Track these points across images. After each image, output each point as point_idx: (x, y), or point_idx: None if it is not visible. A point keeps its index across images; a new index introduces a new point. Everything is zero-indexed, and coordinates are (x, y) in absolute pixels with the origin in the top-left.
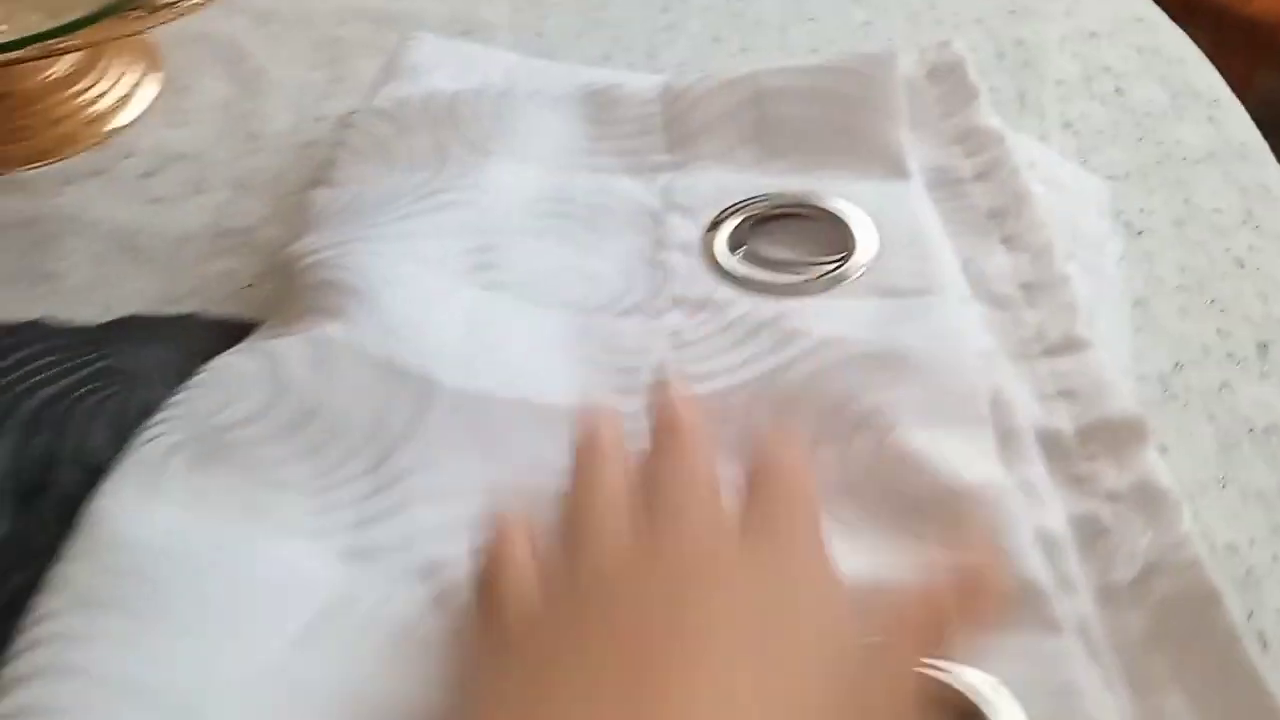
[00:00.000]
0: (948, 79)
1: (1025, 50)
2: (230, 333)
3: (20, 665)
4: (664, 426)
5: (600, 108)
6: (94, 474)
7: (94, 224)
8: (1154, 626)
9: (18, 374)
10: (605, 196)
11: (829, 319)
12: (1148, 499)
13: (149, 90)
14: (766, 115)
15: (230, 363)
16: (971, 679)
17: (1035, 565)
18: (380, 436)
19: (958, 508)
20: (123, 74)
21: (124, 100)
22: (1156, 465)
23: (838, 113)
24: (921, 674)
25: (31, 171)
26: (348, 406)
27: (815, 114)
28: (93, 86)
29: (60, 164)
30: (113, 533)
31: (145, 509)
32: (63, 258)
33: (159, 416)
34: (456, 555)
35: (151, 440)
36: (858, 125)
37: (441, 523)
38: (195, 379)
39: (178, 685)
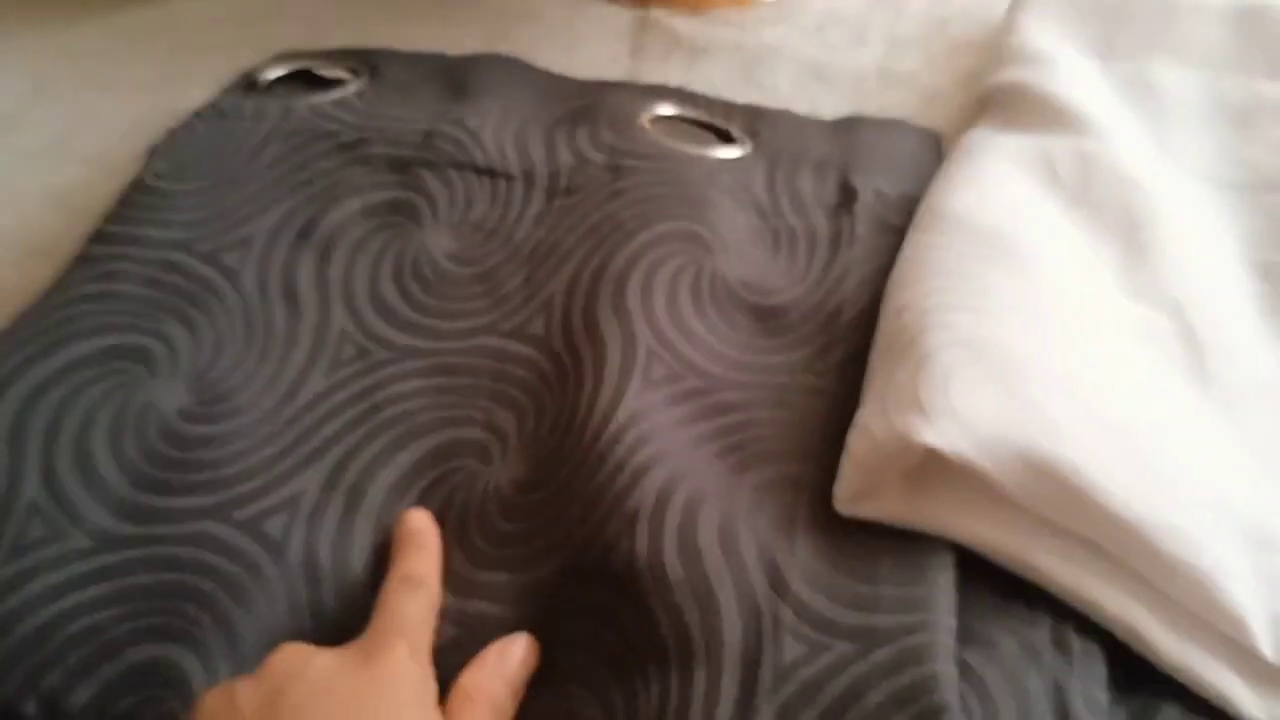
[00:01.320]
0: None
1: None
2: (930, 138)
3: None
4: None
5: (1248, 19)
6: None
7: (790, 56)
8: None
9: (791, 141)
10: (1254, 97)
11: None
12: None
13: None
14: None
15: (1006, 145)
16: None
17: None
18: (1129, 219)
19: None
20: None
21: None
22: None
23: None
24: None
25: (734, 12)
26: (1103, 199)
27: None
28: None
29: (752, 12)
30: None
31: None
32: (769, 75)
33: (967, 166)
34: (1195, 293)
35: (966, 180)
36: None
37: (1177, 278)
38: (978, 150)
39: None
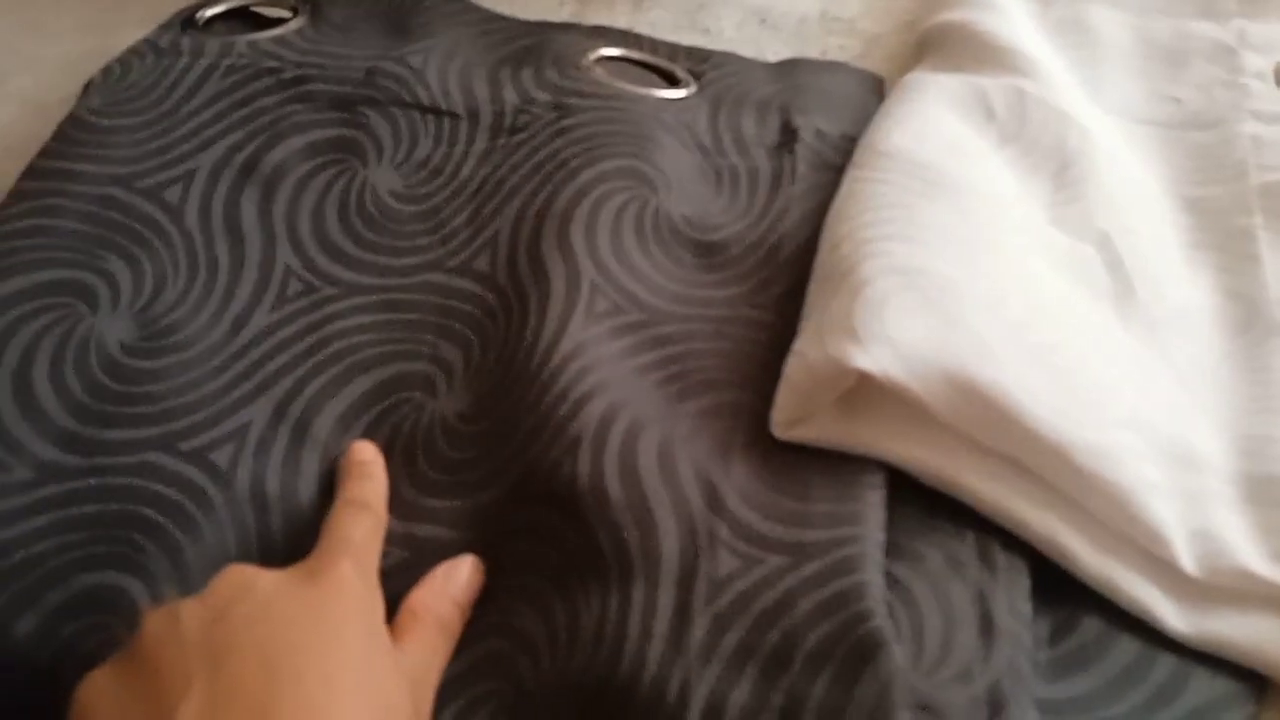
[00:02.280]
0: None
1: None
2: (870, 80)
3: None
4: None
5: None
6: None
7: (734, 2)
8: None
9: (735, 81)
10: (1184, 38)
11: None
12: None
13: None
14: None
15: (944, 84)
16: None
17: None
18: (1060, 155)
19: None
20: None
21: None
22: None
23: None
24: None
25: None
26: (1036, 136)
27: None
28: None
29: None
30: (907, 156)
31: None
32: (713, 19)
33: (902, 106)
34: (1117, 233)
35: (904, 118)
36: None
37: (1106, 211)
38: (917, 89)
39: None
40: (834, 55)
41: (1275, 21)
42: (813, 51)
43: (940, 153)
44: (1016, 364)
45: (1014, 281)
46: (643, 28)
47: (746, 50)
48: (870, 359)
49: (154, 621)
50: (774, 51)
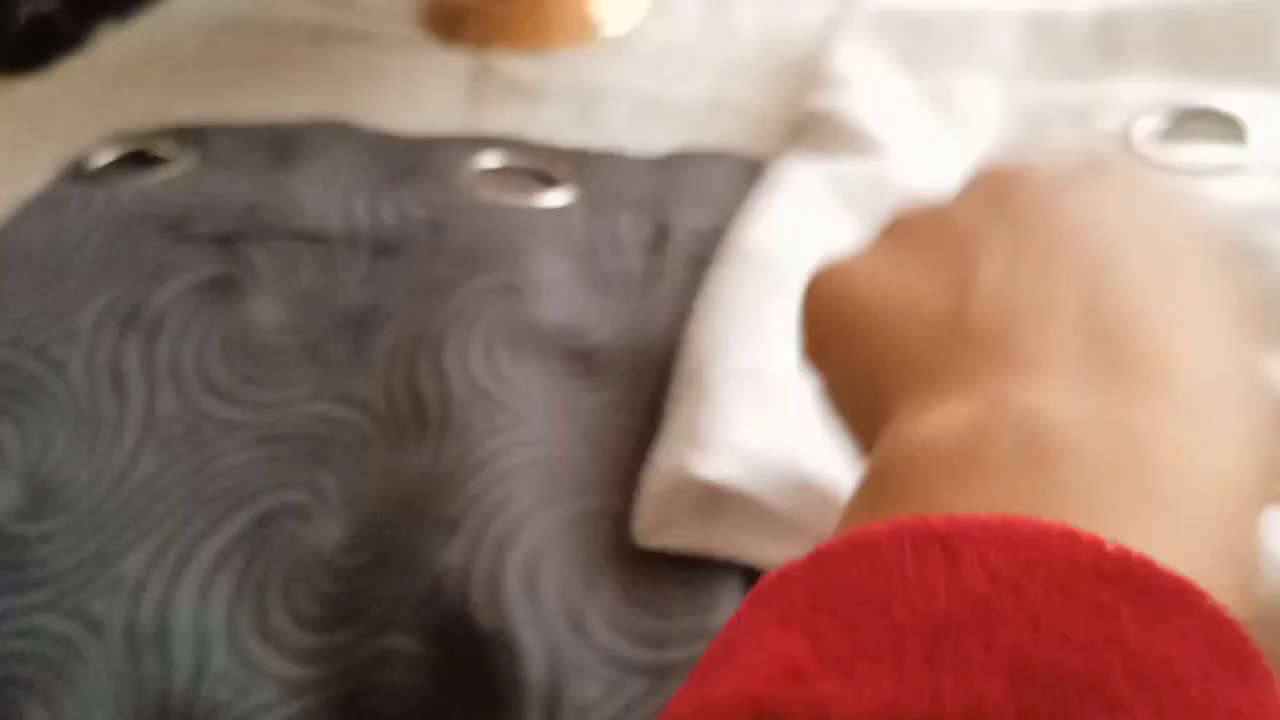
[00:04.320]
0: None
1: None
2: (755, 166)
3: None
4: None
5: (1043, 27)
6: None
7: (625, 92)
8: None
9: (614, 182)
10: (1046, 101)
11: (1229, 189)
12: None
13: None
14: (1186, 34)
15: (806, 174)
16: None
17: None
18: None
19: None
20: None
21: (626, 5)
22: None
23: (1247, 32)
24: None
25: (572, 52)
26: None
27: (1228, 33)
28: None
29: (591, 48)
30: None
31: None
32: (605, 113)
33: (767, 199)
34: None
35: (764, 213)
36: (1262, 43)
37: None
38: (779, 182)
39: None
40: (721, 140)
41: (1130, 80)
42: (702, 138)
43: (796, 247)
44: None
45: None
46: (536, 126)
47: (638, 142)
48: (711, 467)
49: (912, 214)
50: (664, 141)
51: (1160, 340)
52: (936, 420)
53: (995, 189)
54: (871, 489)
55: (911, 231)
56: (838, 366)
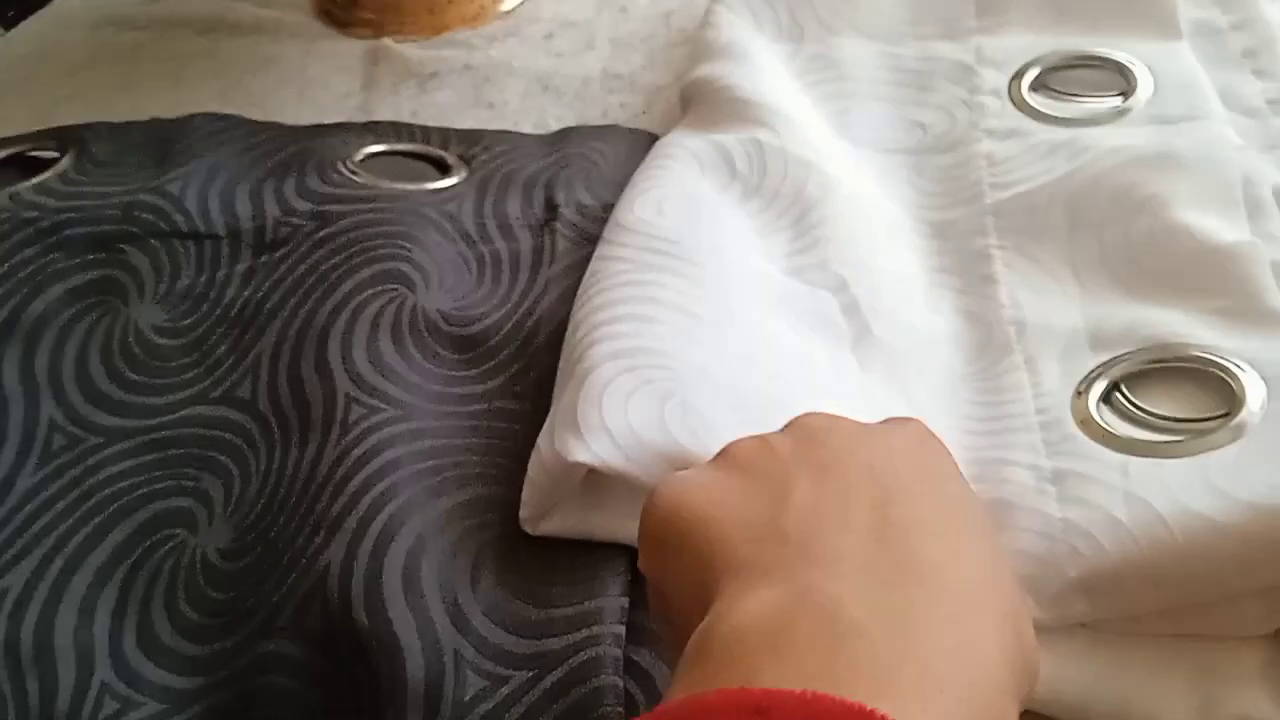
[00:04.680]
0: None
1: None
2: (644, 140)
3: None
4: None
5: None
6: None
7: (519, 70)
8: None
9: (504, 162)
10: (928, 60)
11: (1114, 138)
12: None
13: None
14: None
15: (689, 146)
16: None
17: (1276, 294)
18: (800, 203)
19: (1216, 260)
20: None
21: None
22: None
23: None
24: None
25: (466, 32)
26: (776, 187)
27: None
28: None
29: (485, 27)
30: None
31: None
32: (500, 92)
33: (647, 175)
34: (854, 274)
35: (647, 188)
36: None
37: (844, 254)
38: (663, 156)
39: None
40: (615, 114)
41: (1011, 35)
42: (594, 113)
43: (679, 220)
44: (733, 429)
45: (739, 345)
46: (429, 110)
47: (530, 119)
48: (588, 451)
49: (742, 443)
50: (557, 118)
51: (934, 550)
52: (754, 604)
53: (811, 429)
54: (700, 661)
55: (740, 457)
56: (670, 569)
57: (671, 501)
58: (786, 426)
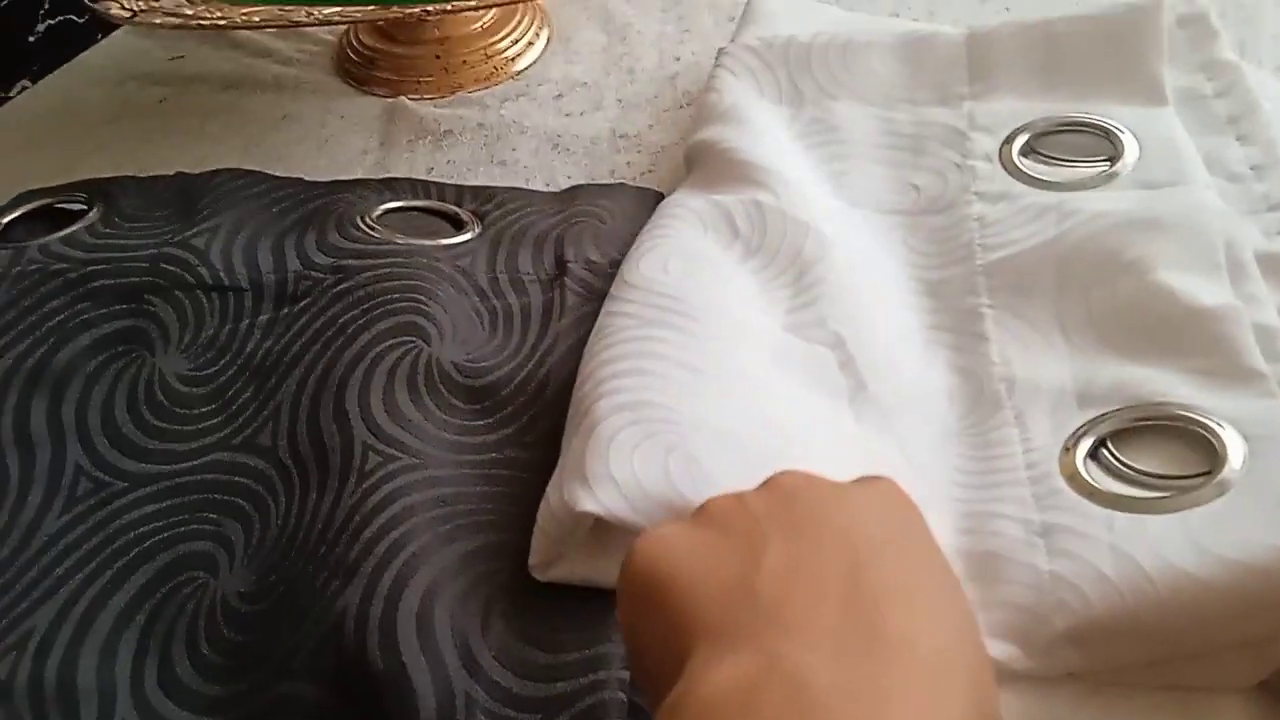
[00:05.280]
0: (1193, 25)
1: (1244, 9)
2: (650, 198)
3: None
4: None
5: (916, 52)
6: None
7: (530, 129)
8: None
9: (516, 218)
10: (922, 125)
11: (1101, 202)
12: None
13: (544, 38)
14: (1053, 53)
15: (693, 206)
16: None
17: (1256, 355)
18: (799, 262)
19: (1199, 321)
20: (524, 27)
21: (529, 45)
22: None
23: (1112, 50)
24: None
25: (480, 91)
26: (776, 247)
27: (1093, 51)
28: (507, 36)
29: (498, 88)
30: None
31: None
32: (512, 150)
33: (653, 233)
34: (851, 332)
35: (653, 246)
36: (1128, 61)
37: (841, 311)
38: (668, 215)
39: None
40: (623, 173)
41: (1002, 101)
42: (603, 171)
43: (682, 278)
44: (734, 480)
45: (739, 398)
46: (444, 166)
47: (542, 177)
48: (595, 501)
49: (719, 501)
50: (567, 176)
51: (903, 618)
52: (725, 673)
53: (786, 490)
54: None
55: (717, 515)
56: (644, 627)
57: (648, 557)
58: (763, 485)
